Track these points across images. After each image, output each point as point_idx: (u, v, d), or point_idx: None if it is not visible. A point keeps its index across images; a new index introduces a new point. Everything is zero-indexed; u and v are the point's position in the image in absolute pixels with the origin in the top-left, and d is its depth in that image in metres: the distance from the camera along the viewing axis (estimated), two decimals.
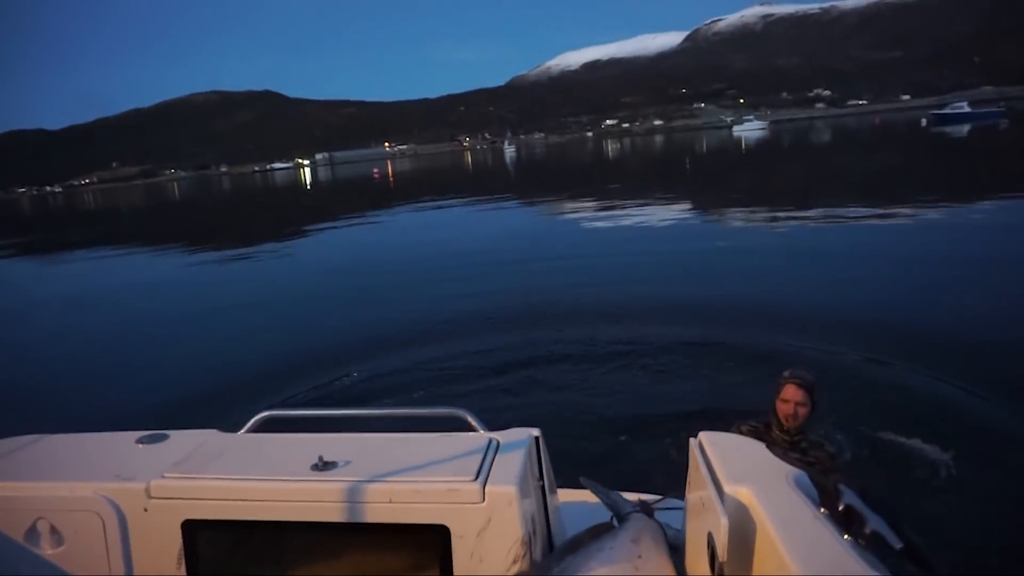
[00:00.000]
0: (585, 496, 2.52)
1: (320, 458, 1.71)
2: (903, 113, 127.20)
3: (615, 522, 2.00)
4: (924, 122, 60.71)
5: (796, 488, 1.39)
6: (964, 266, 8.78)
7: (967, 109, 61.24)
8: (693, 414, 4.66)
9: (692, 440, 1.68)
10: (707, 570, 1.44)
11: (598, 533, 1.85)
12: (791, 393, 2.99)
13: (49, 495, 1.73)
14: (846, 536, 1.22)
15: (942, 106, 69.95)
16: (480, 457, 1.70)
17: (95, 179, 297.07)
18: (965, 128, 48.81)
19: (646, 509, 2.18)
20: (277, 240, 20.33)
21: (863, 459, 3.84)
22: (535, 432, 1.85)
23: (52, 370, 7.90)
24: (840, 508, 1.30)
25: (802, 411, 2.98)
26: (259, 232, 24.27)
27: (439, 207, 26.09)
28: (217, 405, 5.41)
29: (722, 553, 1.33)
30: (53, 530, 1.73)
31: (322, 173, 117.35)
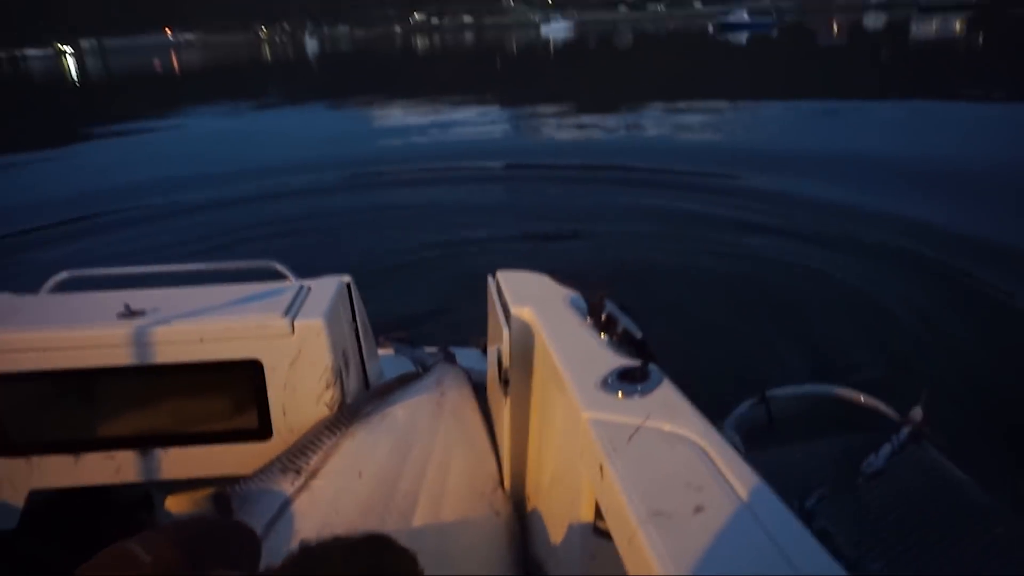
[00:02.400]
0: (403, 358, 2.73)
1: (127, 306, 1.71)
2: (695, 21, 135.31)
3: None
4: (711, 28, 65.30)
5: (570, 306, 1.66)
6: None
7: (747, 18, 66.56)
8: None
9: (490, 278, 1.90)
10: (497, 383, 1.69)
11: (405, 380, 2.05)
12: None
13: None
14: (602, 335, 1.50)
15: (726, 14, 75.28)
16: (291, 297, 1.80)
17: None
18: (745, 35, 53.22)
19: (448, 358, 2.42)
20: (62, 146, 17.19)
21: None
22: (346, 278, 1.97)
23: None
24: (602, 317, 1.58)
25: None
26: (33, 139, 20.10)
27: (250, 111, 23.20)
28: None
29: (506, 360, 1.58)
30: None
31: (91, 64, 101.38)
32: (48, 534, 1.83)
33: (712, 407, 1.25)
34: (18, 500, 1.75)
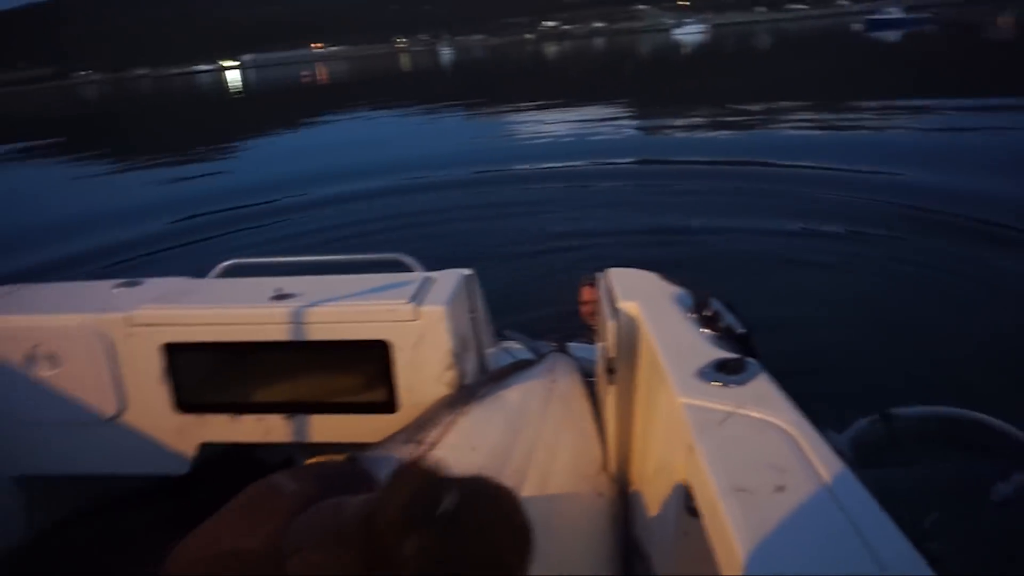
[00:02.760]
0: (519, 347, 2.89)
1: (279, 291, 1.99)
2: (840, 19, 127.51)
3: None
4: (858, 27, 61.32)
5: (675, 301, 1.73)
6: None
7: (898, 15, 61.92)
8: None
9: (598, 275, 2.00)
10: (604, 373, 1.78)
11: (519, 366, 2.19)
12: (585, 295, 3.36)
13: (41, 326, 1.96)
14: (705, 329, 1.56)
15: (873, 12, 70.36)
16: (417, 286, 2.00)
17: None
18: (898, 33, 49.51)
19: (561, 348, 2.55)
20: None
21: None
22: (468, 271, 2.15)
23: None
24: (706, 312, 1.64)
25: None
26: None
27: (388, 115, 24.66)
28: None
29: (611, 350, 1.67)
30: (49, 356, 1.96)
31: (249, 76, 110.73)
32: (211, 485, 2.14)
33: (827, 419, 1.26)
34: (190, 450, 2.06)
